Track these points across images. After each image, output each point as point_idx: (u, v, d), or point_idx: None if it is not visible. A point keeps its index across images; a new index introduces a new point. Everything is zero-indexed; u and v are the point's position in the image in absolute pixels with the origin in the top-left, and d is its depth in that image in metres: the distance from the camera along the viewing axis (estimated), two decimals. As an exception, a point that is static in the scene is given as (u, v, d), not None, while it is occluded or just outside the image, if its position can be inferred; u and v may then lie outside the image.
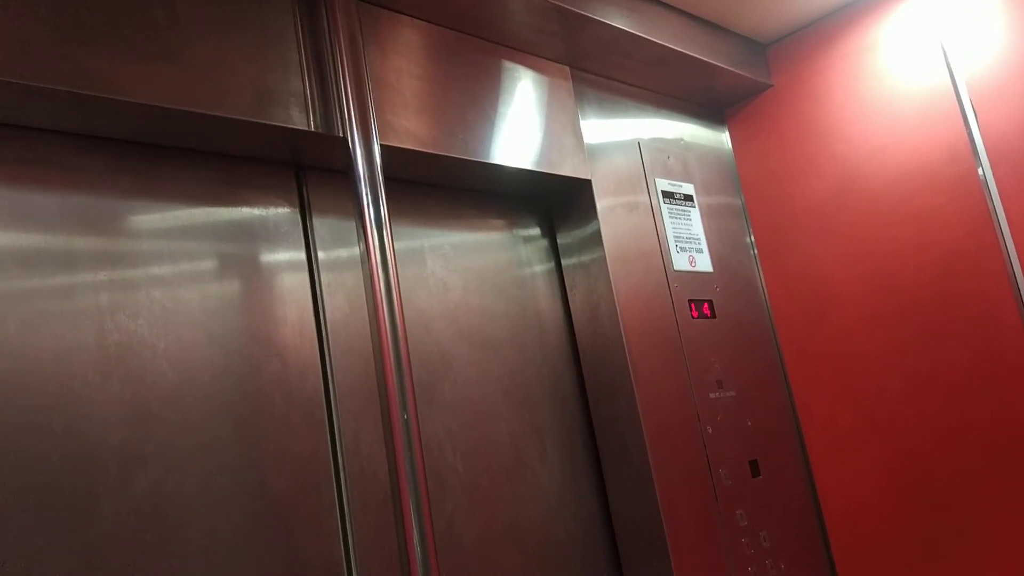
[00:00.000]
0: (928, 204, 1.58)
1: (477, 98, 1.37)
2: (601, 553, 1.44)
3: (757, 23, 1.74)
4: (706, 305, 1.64)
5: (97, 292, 0.98)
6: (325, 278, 1.20)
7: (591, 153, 1.54)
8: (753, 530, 1.53)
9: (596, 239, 1.50)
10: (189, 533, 0.97)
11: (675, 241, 1.63)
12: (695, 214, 1.71)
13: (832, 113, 1.73)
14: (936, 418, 1.56)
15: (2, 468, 0.86)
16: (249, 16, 1.10)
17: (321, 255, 1.21)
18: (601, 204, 1.51)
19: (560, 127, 1.50)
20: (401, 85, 1.26)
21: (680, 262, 1.63)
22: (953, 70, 1.56)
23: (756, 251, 1.84)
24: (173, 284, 1.05)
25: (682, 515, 1.42)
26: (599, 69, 1.62)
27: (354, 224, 1.25)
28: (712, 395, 1.57)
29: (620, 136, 1.63)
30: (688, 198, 1.71)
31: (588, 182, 1.51)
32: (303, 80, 1.13)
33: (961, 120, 1.55)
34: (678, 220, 1.66)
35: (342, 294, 1.21)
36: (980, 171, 1.52)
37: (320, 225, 1.22)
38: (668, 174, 1.69)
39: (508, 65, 1.45)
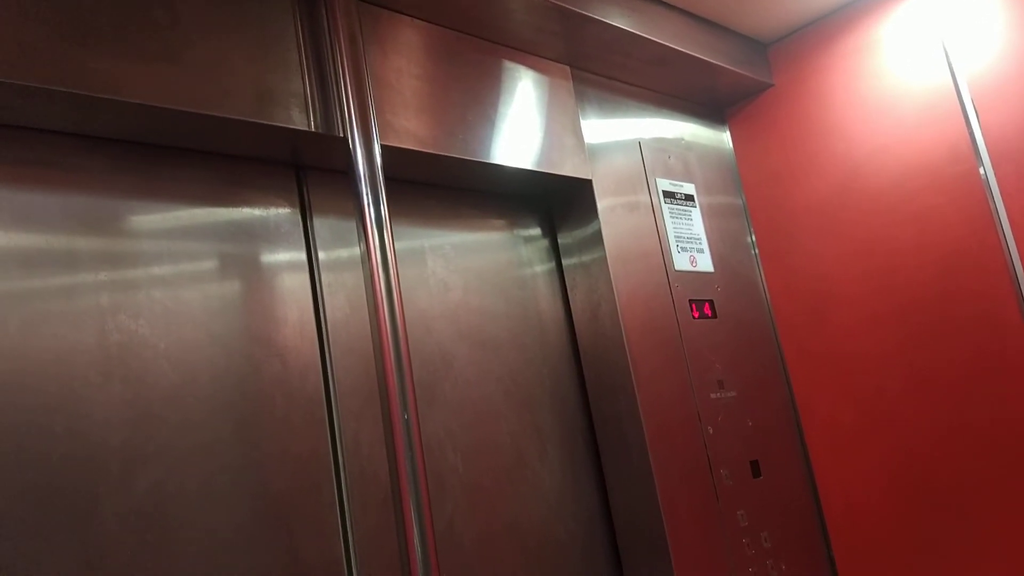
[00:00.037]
0: (929, 204, 1.58)
1: (478, 98, 1.37)
2: (601, 553, 1.44)
3: (758, 22, 1.74)
4: (707, 305, 1.64)
5: (98, 292, 0.98)
6: (326, 278, 1.20)
7: (592, 153, 1.54)
8: (754, 530, 1.53)
9: (597, 239, 1.50)
10: (190, 533, 0.97)
11: (676, 241, 1.63)
12: (696, 214, 1.71)
13: (833, 112, 1.73)
14: (937, 418, 1.56)
15: (3, 468, 0.86)
16: (249, 16, 1.10)
17: (322, 255, 1.21)
18: (602, 204, 1.51)
19: (561, 127, 1.50)
20: (401, 85, 1.26)
21: (681, 262, 1.62)
22: (954, 69, 1.56)
23: (757, 251, 1.84)
24: (174, 284, 1.05)
25: (683, 515, 1.42)
26: (600, 69, 1.62)
27: (354, 224, 1.25)
28: (713, 395, 1.57)
29: (621, 136, 1.63)
30: (689, 198, 1.71)
31: (589, 182, 1.51)
32: (303, 80, 1.13)
33: (962, 119, 1.54)
34: (679, 220, 1.66)
35: (343, 294, 1.21)
36: (981, 171, 1.51)
37: (320, 225, 1.22)
38: (669, 174, 1.69)
39: (508, 65, 1.45)
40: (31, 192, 0.96)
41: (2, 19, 0.88)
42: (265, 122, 1.07)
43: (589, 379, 1.51)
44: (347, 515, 1.12)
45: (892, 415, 1.62)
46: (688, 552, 1.39)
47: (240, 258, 1.12)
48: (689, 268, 1.64)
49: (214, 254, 1.10)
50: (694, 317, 1.60)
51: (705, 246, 1.70)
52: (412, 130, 1.24)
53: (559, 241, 1.58)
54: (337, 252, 1.23)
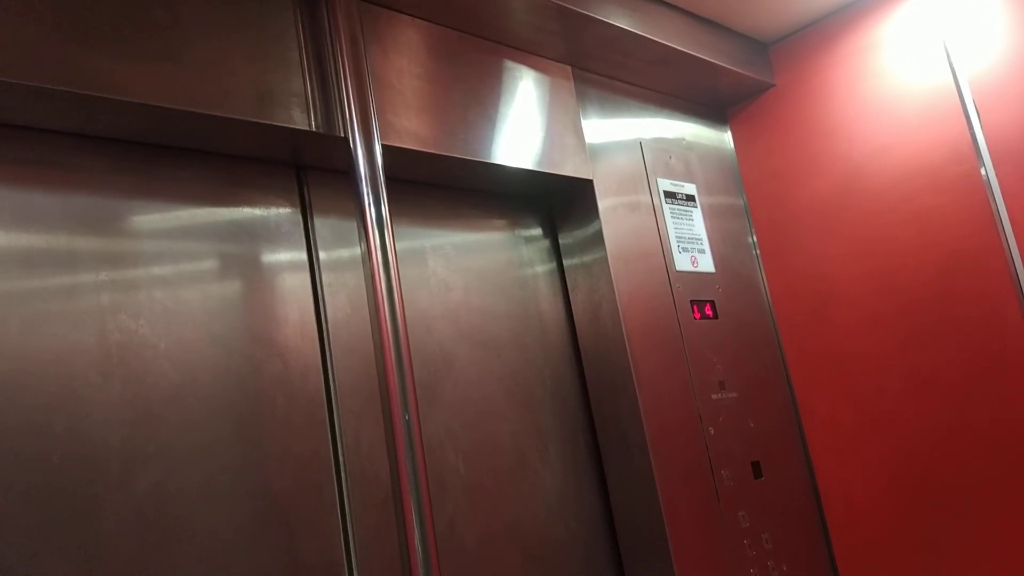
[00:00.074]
0: (930, 204, 1.58)
1: (478, 98, 1.36)
2: (602, 554, 1.44)
3: (759, 22, 1.74)
4: (708, 306, 1.64)
5: (98, 292, 0.98)
6: (326, 278, 1.20)
7: (593, 153, 1.54)
8: (755, 531, 1.53)
9: (598, 239, 1.50)
10: (190, 533, 0.97)
11: (677, 241, 1.63)
12: (697, 214, 1.71)
13: (834, 112, 1.73)
14: (938, 418, 1.55)
15: (3, 468, 0.86)
16: (250, 16, 1.10)
17: (322, 255, 1.21)
18: (603, 204, 1.51)
19: (562, 127, 1.50)
20: (402, 85, 1.26)
21: (682, 262, 1.62)
22: (955, 69, 1.56)
23: (758, 251, 1.84)
24: (174, 284, 1.04)
25: (684, 516, 1.41)
26: (601, 69, 1.61)
27: (355, 224, 1.25)
28: (714, 396, 1.57)
29: (622, 136, 1.63)
30: (690, 198, 1.71)
31: (590, 182, 1.51)
32: (304, 80, 1.13)
33: (964, 119, 1.54)
34: (680, 220, 1.66)
35: (343, 294, 1.21)
36: (982, 171, 1.51)
37: (321, 225, 1.22)
38: (670, 174, 1.69)
39: (509, 65, 1.45)
40: (31, 192, 0.96)
41: (2, 19, 0.88)
42: (266, 122, 1.07)
43: (590, 379, 1.51)
44: (348, 515, 1.11)
45: (893, 415, 1.61)
46: (689, 553, 1.39)
47: (241, 258, 1.12)
48: (690, 268, 1.64)
49: (215, 254, 1.09)
50: (695, 318, 1.60)
51: (706, 246, 1.70)
52: (413, 130, 1.24)
53: (560, 241, 1.58)
54: (338, 252, 1.23)
